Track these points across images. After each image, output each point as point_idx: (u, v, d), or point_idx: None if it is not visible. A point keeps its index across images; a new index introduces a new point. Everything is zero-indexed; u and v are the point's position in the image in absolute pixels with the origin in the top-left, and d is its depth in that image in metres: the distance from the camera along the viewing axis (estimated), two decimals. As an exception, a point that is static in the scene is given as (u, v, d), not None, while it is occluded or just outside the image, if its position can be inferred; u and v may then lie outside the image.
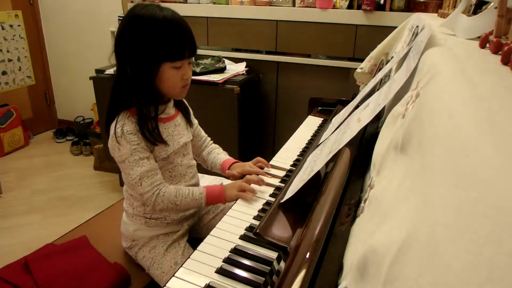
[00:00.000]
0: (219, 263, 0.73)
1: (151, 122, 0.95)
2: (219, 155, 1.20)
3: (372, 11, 1.92)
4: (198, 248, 0.78)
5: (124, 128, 0.93)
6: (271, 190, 1.01)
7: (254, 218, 0.89)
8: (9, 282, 0.96)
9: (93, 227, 1.24)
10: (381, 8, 1.94)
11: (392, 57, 1.27)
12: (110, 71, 2.12)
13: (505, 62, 0.53)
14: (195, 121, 1.17)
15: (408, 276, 0.30)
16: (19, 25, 2.69)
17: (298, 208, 0.84)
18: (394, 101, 0.82)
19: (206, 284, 0.68)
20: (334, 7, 2.02)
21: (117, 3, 2.66)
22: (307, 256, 0.58)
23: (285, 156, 1.21)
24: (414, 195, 0.38)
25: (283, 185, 1.01)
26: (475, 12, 0.94)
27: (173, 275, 0.71)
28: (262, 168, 1.11)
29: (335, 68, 2.10)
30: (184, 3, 2.31)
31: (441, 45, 0.69)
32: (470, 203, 0.26)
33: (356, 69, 1.59)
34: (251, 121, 2.25)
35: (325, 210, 0.68)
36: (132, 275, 1.05)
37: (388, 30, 1.50)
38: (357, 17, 1.96)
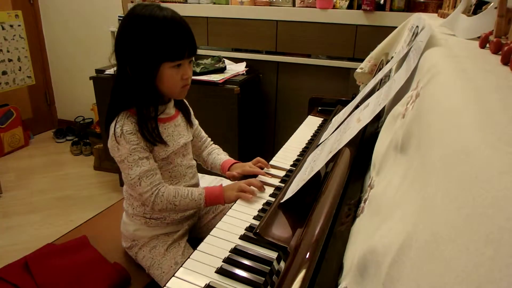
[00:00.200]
0: (219, 263, 0.73)
1: (150, 122, 0.95)
2: (219, 155, 1.20)
3: (372, 11, 1.92)
4: (198, 248, 0.78)
5: (123, 128, 0.93)
6: (271, 190, 1.01)
7: (254, 218, 0.89)
8: (9, 282, 0.96)
9: (93, 227, 1.24)
10: (381, 8, 1.94)
11: (392, 57, 1.27)
12: (110, 71, 2.12)
13: (505, 62, 0.53)
14: (195, 122, 1.17)
15: (408, 276, 0.30)
16: (19, 25, 2.69)
17: (298, 208, 0.84)
18: (394, 101, 0.82)
19: (206, 284, 0.68)
20: (334, 7, 2.02)
21: (117, 3, 2.66)
22: (307, 256, 0.58)
23: (285, 156, 1.21)
24: (414, 195, 0.38)
25: (283, 185, 1.01)
26: (475, 12, 0.94)
27: (173, 275, 0.71)
28: (262, 168, 1.11)
29: (335, 68, 2.10)
30: (184, 3, 2.31)
31: (441, 45, 0.69)
32: (470, 203, 0.26)
33: (356, 69, 1.59)
34: (251, 121, 2.25)
35: (325, 210, 0.68)
36: (132, 275, 1.05)
37: (388, 30, 1.50)
38: (357, 17, 1.96)
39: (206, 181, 1.48)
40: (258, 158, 1.14)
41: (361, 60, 1.60)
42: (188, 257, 0.75)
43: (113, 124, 0.94)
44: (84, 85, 2.78)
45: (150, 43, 0.89)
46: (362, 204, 0.66)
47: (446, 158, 0.34)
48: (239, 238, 0.81)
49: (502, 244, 0.22)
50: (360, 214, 0.63)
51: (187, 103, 1.12)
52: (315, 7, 2.04)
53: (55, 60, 3.25)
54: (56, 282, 0.97)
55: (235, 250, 0.76)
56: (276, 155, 1.22)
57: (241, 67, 2.20)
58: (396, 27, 1.41)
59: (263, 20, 2.15)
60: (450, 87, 0.46)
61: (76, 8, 2.97)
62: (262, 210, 0.92)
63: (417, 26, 1.01)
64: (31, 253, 1.06)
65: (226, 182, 1.27)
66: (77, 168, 2.75)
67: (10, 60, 2.68)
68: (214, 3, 2.26)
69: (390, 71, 1.06)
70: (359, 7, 1.97)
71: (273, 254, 0.75)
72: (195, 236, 1.15)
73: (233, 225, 0.86)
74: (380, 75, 0.99)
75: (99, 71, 2.17)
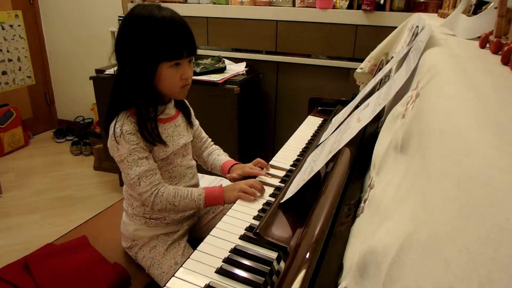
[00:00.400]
0: (219, 263, 0.73)
1: (150, 123, 0.95)
2: (219, 156, 1.20)
3: (372, 11, 1.92)
4: (198, 248, 0.78)
5: (123, 128, 0.93)
6: (271, 190, 1.01)
7: (254, 218, 0.89)
8: (9, 282, 0.96)
9: (93, 227, 1.24)
10: (381, 8, 1.94)
11: (392, 57, 1.27)
12: (110, 71, 2.12)
13: (505, 62, 0.53)
14: (196, 122, 1.17)
15: (408, 276, 0.30)
16: (19, 25, 2.69)
17: (298, 208, 0.84)
18: (394, 101, 0.82)
19: (206, 284, 0.68)
20: (334, 7, 2.02)
21: (117, 3, 2.66)
22: (307, 256, 0.58)
23: (285, 156, 1.21)
24: (414, 195, 0.38)
25: (283, 185, 1.01)
26: (475, 12, 0.94)
27: (173, 275, 0.71)
28: (261, 169, 1.11)
29: (335, 68, 2.10)
30: (184, 3, 2.31)
31: (441, 45, 0.69)
32: (470, 203, 0.26)
33: (356, 69, 1.59)
34: (251, 121, 2.25)
35: (325, 210, 0.68)
36: (132, 275, 1.05)
37: (388, 30, 1.50)
38: (357, 17, 1.96)
39: (206, 181, 1.48)
40: (258, 159, 1.14)
41: (361, 60, 1.60)
42: (188, 257, 0.75)
43: (112, 124, 0.94)
44: (84, 85, 2.79)
45: (147, 43, 0.89)
46: (362, 204, 0.66)
47: (446, 158, 0.34)
48: (239, 238, 0.81)
49: (502, 244, 0.22)
50: (360, 214, 0.63)
51: (187, 103, 1.12)
52: (315, 7, 2.04)
53: (55, 60, 3.25)
54: (56, 282, 0.97)
55: (235, 250, 0.76)
56: (276, 155, 1.22)
57: (241, 67, 2.20)
58: (396, 27, 1.41)
59: (263, 20, 2.15)
60: (450, 87, 0.46)
61: (76, 8, 2.97)
62: (262, 210, 0.92)
63: (417, 26, 1.01)
64: (31, 253, 1.06)
65: (226, 182, 1.26)
66: (77, 168, 2.75)
67: (10, 60, 2.68)
68: (214, 3, 2.26)
69: (390, 71, 1.06)
70: (359, 7, 1.97)
71: (273, 254, 0.75)
72: (195, 236, 1.15)
73: (233, 225, 0.86)
74: (380, 75, 0.99)
75: (99, 71, 2.17)
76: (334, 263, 0.57)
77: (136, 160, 0.93)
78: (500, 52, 0.56)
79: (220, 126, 2.01)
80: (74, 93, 3.26)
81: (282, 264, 0.69)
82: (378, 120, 1.03)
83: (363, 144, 0.92)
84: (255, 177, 1.06)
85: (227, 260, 0.73)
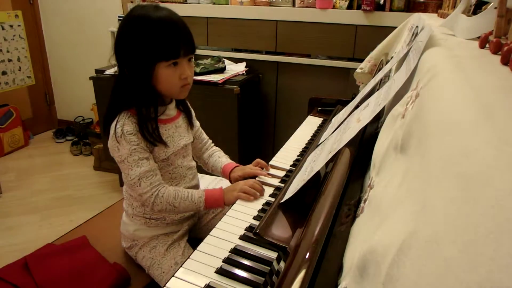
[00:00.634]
0: (219, 263, 0.73)
1: (151, 123, 0.95)
2: (220, 158, 1.19)
3: (372, 11, 1.92)
4: (198, 248, 0.78)
5: (124, 128, 0.92)
6: (271, 190, 1.01)
7: (254, 218, 0.89)
8: (9, 282, 0.96)
9: (93, 227, 1.24)
10: (381, 8, 1.94)
11: (392, 57, 1.27)
12: (110, 71, 2.12)
13: (505, 62, 0.53)
14: (196, 123, 1.17)
15: (408, 276, 0.30)
16: (19, 25, 2.69)
17: (298, 208, 0.84)
18: (394, 101, 0.82)
19: (206, 284, 0.68)
20: (334, 7, 2.02)
21: (117, 3, 2.66)
22: (307, 256, 0.58)
23: (285, 156, 1.21)
24: (414, 195, 0.38)
25: (282, 185, 1.01)
26: (475, 12, 0.94)
27: (173, 275, 0.71)
28: (261, 168, 1.11)
29: (335, 68, 2.10)
30: (184, 3, 2.31)
31: (441, 45, 0.69)
32: (470, 203, 0.26)
33: (356, 69, 1.59)
34: (251, 121, 2.25)
35: (325, 210, 0.68)
36: (132, 275, 1.05)
37: (388, 30, 1.50)
38: (357, 17, 1.96)
39: (206, 181, 1.48)
40: (258, 159, 1.14)
41: (361, 60, 1.60)
42: (188, 257, 0.75)
43: (113, 124, 0.94)
44: (84, 85, 2.78)
45: (144, 43, 0.89)
46: (362, 204, 0.66)
47: (446, 158, 0.34)
48: (239, 238, 0.81)
49: (502, 244, 0.22)
50: (360, 214, 0.63)
51: (189, 104, 1.12)
52: (315, 7, 2.04)
53: (55, 60, 3.25)
54: (56, 282, 0.97)
55: (235, 250, 0.76)
56: (276, 155, 1.22)
57: (241, 67, 2.20)
58: (396, 27, 1.41)
59: (263, 20, 2.15)
60: (450, 87, 0.46)
61: (76, 8, 2.97)
62: (262, 210, 0.92)
63: (417, 26, 1.01)
64: (31, 253, 1.06)
65: (225, 182, 1.26)
66: (77, 168, 2.75)
67: (10, 60, 2.68)
68: (214, 3, 2.26)
69: (390, 71, 1.06)
70: (359, 7, 1.97)
71: (273, 254, 0.75)
72: (195, 236, 1.15)
73: (233, 225, 0.86)
74: (380, 75, 0.99)
75: (99, 71, 2.17)
76: (334, 263, 0.57)
77: (137, 161, 0.93)
78: (500, 52, 0.56)
79: (220, 126, 2.01)
80: (74, 93, 3.26)
81: (282, 264, 0.69)
82: (378, 120, 1.03)
83: (363, 144, 0.92)
84: (255, 177, 1.06)
85: (227, 260, 0.73)
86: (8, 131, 2.88)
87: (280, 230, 0.79)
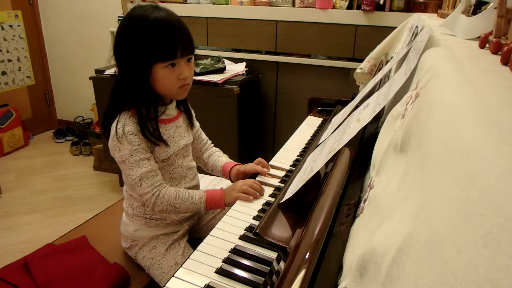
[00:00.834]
0: (218, 263, 0.73)
1: (151, 123, 0.95)
2: (220, 157, 1.19)
3: (372, 11, 1.92)
4: (198, 248, 0.78)
5: (125, 128, 0.92)
6: (271, 190, 1.01)
7: (254, 218, 0.89)
8: (9, 282, 0.96)
9: (93, 227, 1.24)
10: (381, 8, 1.94)
11: (391, 57, 1.27)
12: (110, 71, 2.12)
13: (505, 62, 0.53)
14: (196, 124, 1.17)
15: (408, 276, 0.30)
16: (19, 25, 2.69)
17: (298, 208, 0.84)
18: (394, 101, 0.82)
19: (206, 284, 0.68)
20: (333, 7, 2.02)
21: (117, 3, 2.66)
22: (307, 256, 0.58)
23: (284, 156, 1.21)
24: (413, 195, 0.38)
25: (282, 185, 1.01)
26: (474, 12, 0.94)
27: (173, 275, 0.71)
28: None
29: (335, 68, 2.10)
30: (184, 3, 2.31)
31: (441, 46, 0.69)
32: (470, 203, 0.26)
33: (356, 69, 1.59)
34: (251, 121, 2.25)
35: (325, 210, 0.68)
36: (132, 275, 1.05)
37: (388, 30, 1.50)
38: (357, 17, 1.96)
39: (206, 181, 1.48)
40: (260, 158, 1.14)
41: (361, 60, 1.60)
42: (188, 257, 0.75)
43: (114, 124, 0.94)
44: (84, 85, 2.78)
45: (141, 44, 0.89)
46: (361, 204, 0.66)
47: (446, 158, 0.34)
48: (239, 238, 0.81)
49: (502, 244, 0.22)
50: (359, 214, 0.63)
51: (189, 105, 1.12)
52: (314, 7, 2.04)
53: (55, 60, 3.25)
54: (56, 283, 0.97)
55: (235, 250, 0.76)
56: (276, 155, 1.22)
57: (240, 67, 2.20)
58: (396, 27, 1.41)
59: (263, 20, 2.15)
60: (450, 88, 0.46)
61: (76, 8, 2.97)
62: (261, 210, 0.92)
63: (416, 26, 1.01)
64: (31, 253, 1.06)
65: (225, 182, 1.26)
66: (77, 168, 2.75)
67: (9, 60, 2.68)
68: (214, 3, 2.26)
69: (389, 71, 1.06)
70: (358, 7, 1.97)
71: (272, 254, 0.75)
72: (195, 236, 1.15)
73: (232, 225, 0.86)
74: (379, 75, 0.99)
75: (99, 71, 2.17)
76: (334, 263, 0.57)
77: (138, 161, 0.93)
78: (499, 52, 0.56)
79: (220, 126, 2.01)
80: (74, 93, 3.26)
81: (282, 264, 0.69)
82: (378, 120, 1.03)
83: (363, 144, 0.92)
84: (255, 177, 1.06)
85: (227, 260, 0.73)
86: (8, 131, 2.88)
87: (280, 230, 0.79)
